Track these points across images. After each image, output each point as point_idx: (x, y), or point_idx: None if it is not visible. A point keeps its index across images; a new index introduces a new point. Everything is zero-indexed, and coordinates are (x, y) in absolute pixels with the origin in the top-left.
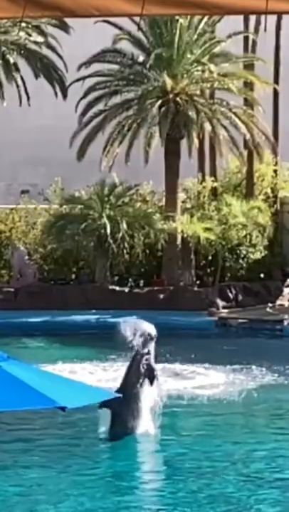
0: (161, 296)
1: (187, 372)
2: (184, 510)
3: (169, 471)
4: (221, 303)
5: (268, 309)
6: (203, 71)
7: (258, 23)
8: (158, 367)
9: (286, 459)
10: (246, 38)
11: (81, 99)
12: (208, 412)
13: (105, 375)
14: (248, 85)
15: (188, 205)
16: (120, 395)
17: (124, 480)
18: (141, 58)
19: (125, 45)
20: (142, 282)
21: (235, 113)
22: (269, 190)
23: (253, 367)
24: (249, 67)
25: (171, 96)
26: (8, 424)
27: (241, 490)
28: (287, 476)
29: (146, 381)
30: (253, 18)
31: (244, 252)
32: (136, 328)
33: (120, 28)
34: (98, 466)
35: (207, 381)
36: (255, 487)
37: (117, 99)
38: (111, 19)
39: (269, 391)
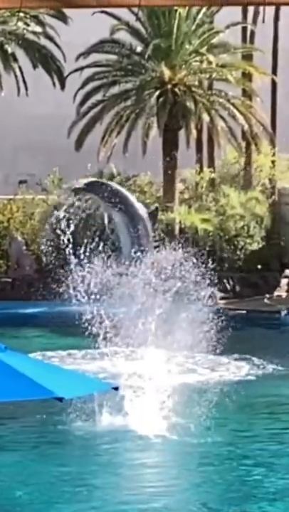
0: None
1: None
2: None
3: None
4: (218, 294)
5: (265, 300)
6: (201, 61)
7: (256, 13)
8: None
9: None
10: (244, 29)
11: (79, 89)
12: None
13: (103, 364)
14: (247, 76)
15: (186, 196)
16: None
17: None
18: (139, 49)
19: (123, 36)
20: None
21: (233, 104)
22: (267, 181)
23: (253, 358)
24: (247, 57)
25: (169, 86)
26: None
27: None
28: None
29: None
30: (251, 9)
31: (242, 243)
32: None
33: (118, 19)
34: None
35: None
36: None
37: (115, 90)
38: (109, 9)
39: (268, 381)
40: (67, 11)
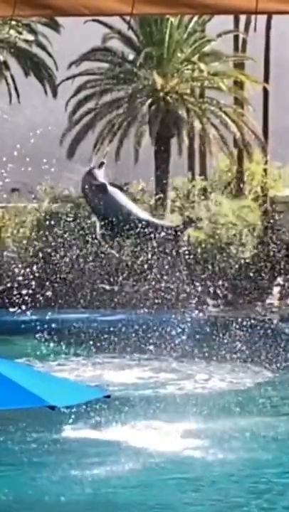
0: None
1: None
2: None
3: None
4: (210, 301)
5: (257, 308)
6: (193, 70)
7: (248, 22)
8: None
9: None
10: (236, 37)
11: (71, 97)
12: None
13: (91, 373)
14: (238, 84)
15: (178, 204)
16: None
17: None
18: (131, 57)
19: (115, 44)
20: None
21: (225, 112)
22: (259, 189)
23: (249, 365)
24: (239, 66)
25: (161, 95)
26: None
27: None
28: None
29: None
30: (243, 17)
31: (234, 251)
32: None
33: (110, 27)
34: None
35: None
36: None
37: (107, 98)
38: (101, 18)
39: (262, 388)
40: (59, 20)
